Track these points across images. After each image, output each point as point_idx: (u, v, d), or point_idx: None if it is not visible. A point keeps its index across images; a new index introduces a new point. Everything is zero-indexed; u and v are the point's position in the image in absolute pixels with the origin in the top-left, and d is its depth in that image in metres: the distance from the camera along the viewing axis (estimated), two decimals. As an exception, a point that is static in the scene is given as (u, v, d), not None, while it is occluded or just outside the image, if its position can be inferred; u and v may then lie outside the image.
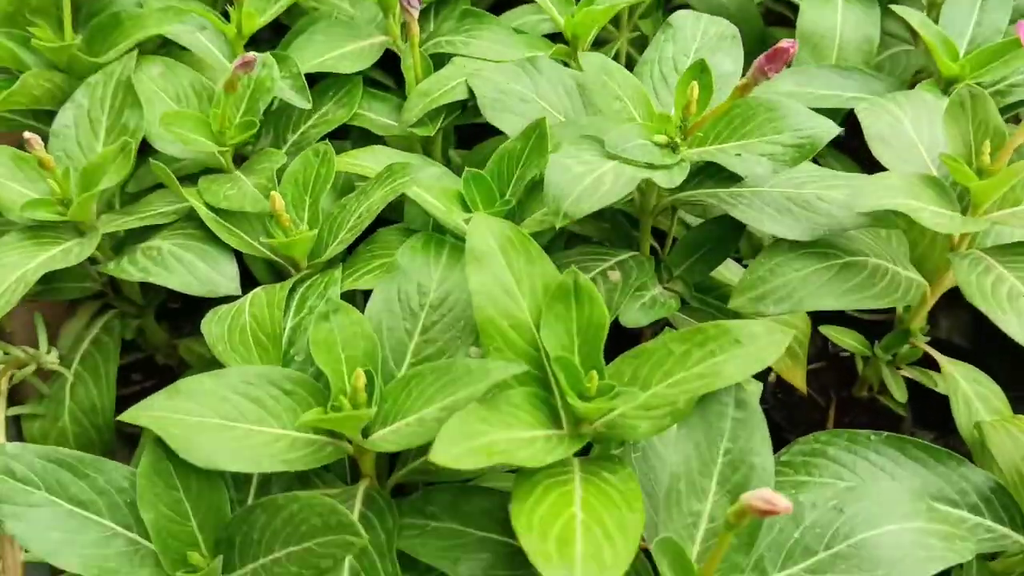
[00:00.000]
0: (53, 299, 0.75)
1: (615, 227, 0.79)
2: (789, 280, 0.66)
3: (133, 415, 0.55)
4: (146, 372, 0.89)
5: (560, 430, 0.55)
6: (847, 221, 0.66)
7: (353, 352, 0.58)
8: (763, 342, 0.54)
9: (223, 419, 0.55)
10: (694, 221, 0.82)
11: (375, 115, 0.81)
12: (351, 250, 0.71)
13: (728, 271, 0.81)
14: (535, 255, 0.58)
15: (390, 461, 0.65)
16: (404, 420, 0.56)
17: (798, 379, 0.80)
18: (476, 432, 0.50)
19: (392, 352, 0.62)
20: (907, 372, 0.83)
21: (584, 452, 0.58)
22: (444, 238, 0.66)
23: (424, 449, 0.65)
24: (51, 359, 0.66)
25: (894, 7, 0.88)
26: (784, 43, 0.59)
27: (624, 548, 0.47)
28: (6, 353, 0.67)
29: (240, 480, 0.61)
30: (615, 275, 0.71)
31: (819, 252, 0.67)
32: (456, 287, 0.64)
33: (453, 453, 0.48)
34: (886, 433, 0.62)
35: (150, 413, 0.54)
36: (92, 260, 0.79)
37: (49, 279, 0.78)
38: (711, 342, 0.55)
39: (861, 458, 0.62)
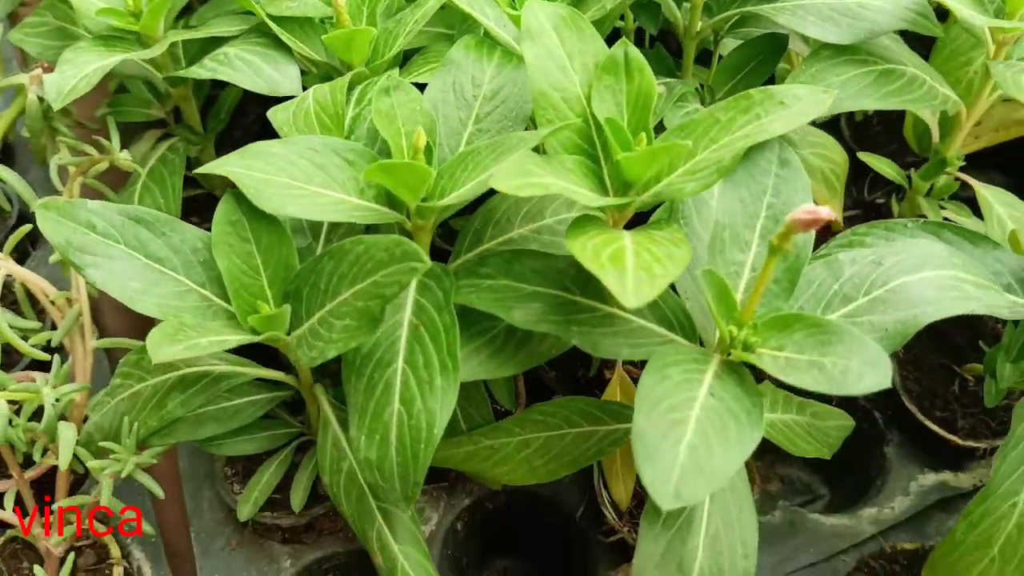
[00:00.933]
0: (119, 120, 0.78)
1: (658, 60, 0.81)
2: (830, 84, 0.68)
3: (208, 168, 0.58)
4: (204, 213, 0.93)
5: (607, 197, 0.58)
6: (887, 24, 0.68)
7: (412, 127, 0.61)
8: (807, 101, 0.56)
9: (291, 179, 0.58)
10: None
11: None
12: (404, 63, 0.74)
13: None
14: (588, 34, 0.61)
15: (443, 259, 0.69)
16: (462, 188, 0.59)
17: (834, 210, 0.82)
18: (533, 172, 0.53)
19: (447, 139, 0.65)
20: (943, 211, 0.85)
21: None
22: (495, 42, 0.69)
23: (475, 245, 0.69)
24: (124, 156, 0.70)
25: None
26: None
27: (672, 268, 0.49)
28: (82, 153, 0.71)
29: (304, 253, 0.64)
30: (660, 88, 0.73)
31: (859, 59, 0.69)
32: (509, 82, 0.66)
33: (512, 183, 0.51)
34: (922, 219, 0.64)
35: (224, 168, 0.58)
36: (155, 91, 0.83)
37: (116, 103, 0.82)
38: (756, 107, 0.57)
39: (898, 243, 0.64)
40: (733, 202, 0.56)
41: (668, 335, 0.57)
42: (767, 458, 0.82)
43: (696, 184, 0.56)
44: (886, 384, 0.47)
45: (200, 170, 0.58)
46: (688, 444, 0.46)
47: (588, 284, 0.58)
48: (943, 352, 0.83)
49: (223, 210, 0.58)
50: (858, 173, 0.88)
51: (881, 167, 0.79)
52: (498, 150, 0.59)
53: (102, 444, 0.62)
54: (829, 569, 0.73)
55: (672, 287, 0.58)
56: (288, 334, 0.59)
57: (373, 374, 0.58)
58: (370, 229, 0.66)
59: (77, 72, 0.66)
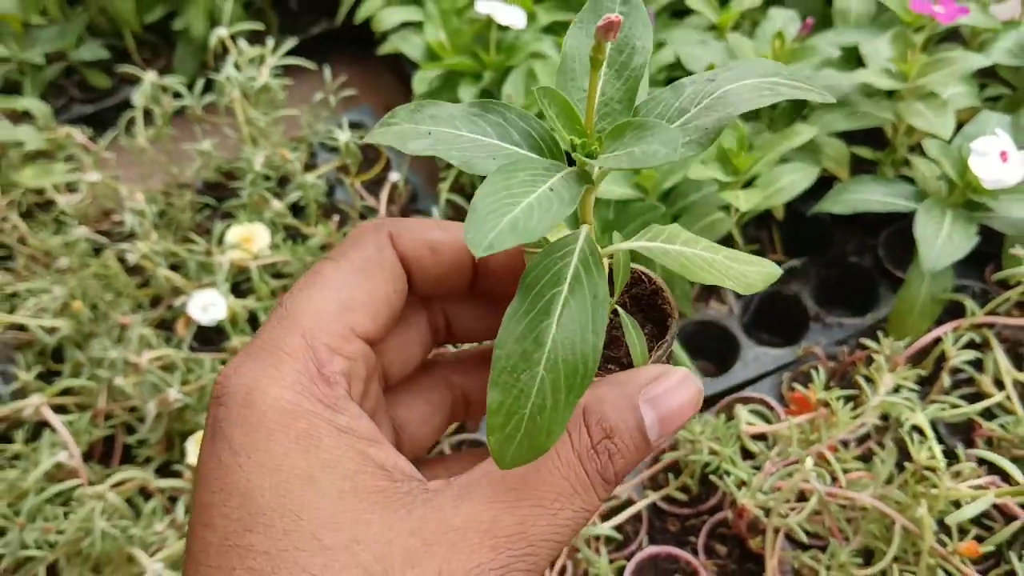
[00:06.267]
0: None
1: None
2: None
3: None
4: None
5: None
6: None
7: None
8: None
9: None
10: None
11: None
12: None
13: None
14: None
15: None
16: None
17: (840, 175, 1.64)
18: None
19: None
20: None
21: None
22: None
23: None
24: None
25: None
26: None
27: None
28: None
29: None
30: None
31: (841, 106, 1.53)
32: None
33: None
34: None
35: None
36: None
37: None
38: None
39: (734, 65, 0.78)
40: (580, 38, 0.57)
41: (536, 157, 0.54)
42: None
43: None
44: (675, 157, 0.48)
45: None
46: (511, 217, 0.46)
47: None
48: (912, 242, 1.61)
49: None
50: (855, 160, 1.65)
51: (862, 152, 1.61)
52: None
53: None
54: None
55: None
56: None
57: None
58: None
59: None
